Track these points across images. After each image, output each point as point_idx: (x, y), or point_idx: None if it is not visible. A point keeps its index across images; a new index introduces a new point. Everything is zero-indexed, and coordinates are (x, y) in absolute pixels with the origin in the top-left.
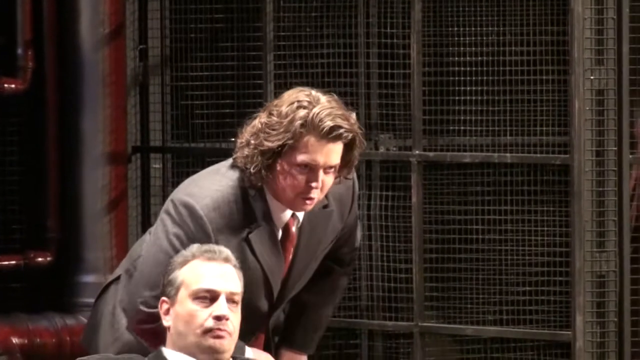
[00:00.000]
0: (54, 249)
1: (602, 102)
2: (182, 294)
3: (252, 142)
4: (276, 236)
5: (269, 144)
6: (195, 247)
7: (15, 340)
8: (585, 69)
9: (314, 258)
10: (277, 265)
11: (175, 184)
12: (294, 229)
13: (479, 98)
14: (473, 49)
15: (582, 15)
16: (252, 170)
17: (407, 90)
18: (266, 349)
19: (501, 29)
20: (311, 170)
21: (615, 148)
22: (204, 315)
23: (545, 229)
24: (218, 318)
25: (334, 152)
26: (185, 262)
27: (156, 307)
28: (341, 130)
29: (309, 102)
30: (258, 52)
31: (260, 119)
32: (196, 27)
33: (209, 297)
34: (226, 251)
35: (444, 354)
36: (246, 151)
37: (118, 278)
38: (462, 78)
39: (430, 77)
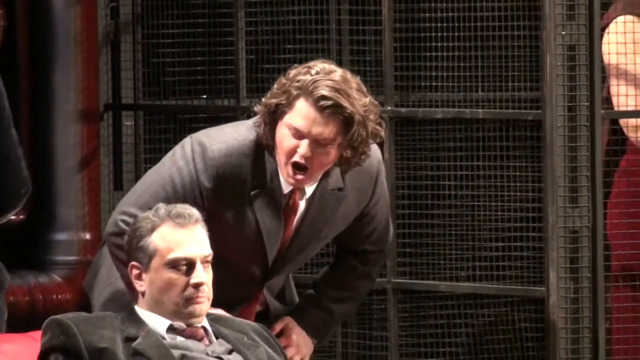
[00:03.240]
0: (26, 207)
1: (573, 57)
2: (157, 262)
3: (264, 100)
4: (279, 201)
5: (269, 101)
6: (163, 210)
7: None
8: (557, 24)
9: (318, 237)
10: (275, 230)
11: (148, 142)
12: (300, 201)
13: (451, 54)
14: (444, 4)
15: None
16: (260, 130)
17: (378, 47)
18: (262, 318)
19: None
20: (301, 136)
21: (588, 103)
22: (182, 283)
23: (518, 184)
24: (196, 285)
25: (323, 126)
26: (154, 228)
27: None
28: (331, 102)
29: (317, 71)
30: (229, 9)
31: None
32: None
33: (185, 264)
34: (195, 212)
35: (417, 311)
36: (259, 108)
37: None
38: (433, 34)
39: (402, 33)
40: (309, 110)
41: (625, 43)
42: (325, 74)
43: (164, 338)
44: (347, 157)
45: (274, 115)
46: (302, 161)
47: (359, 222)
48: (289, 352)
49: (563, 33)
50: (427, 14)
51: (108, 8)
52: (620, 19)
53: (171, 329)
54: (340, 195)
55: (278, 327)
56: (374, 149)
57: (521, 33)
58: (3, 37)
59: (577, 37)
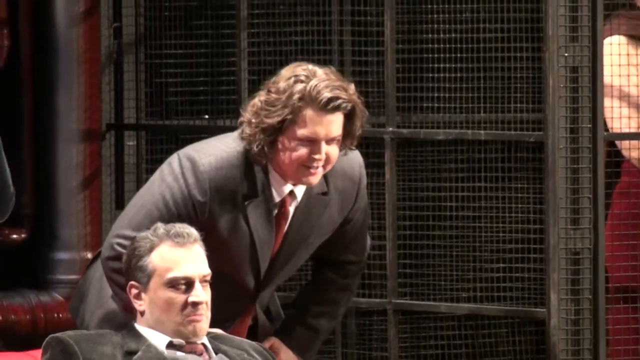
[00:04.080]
0: (29, 226)
1: (576, 79)
2: (156, 282)
3: (253, 120)
4: (272, 210)
5: (269, 121)
6: (161, 230)
7: None
8: (560, 45)
9: (305, 244)
10: (267, 239)
11: (150, 162)
12: (290, 207)
13: (453, 75)
14: (447, 25)
15: None
16: (255, 149)
17: (380, 68)
18: (253, 335)
19: (475, 5)
20: (313, 143)
21: (590, 125)
22: (181, 302)
23: (520, 206)
24: (195, 304)
25: (334, 124)
26: (153, 247)
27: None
28: (339, 101)
29: (306, 76)
30: (232, 30)
31: (259, 97)
32: (170, 5)
33: (184, 283)
34: (193, 232)
35: (417, 332)
36: (248, 130)
37: None
38: (436, 55)
39: (404, 54)
40: (319, 116)
41: (619, 65)
42: (314, 76)
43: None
44: (348, 144)
45: (276, 133)
46: (319, 164)
47: (342, 227)
48: None
49: (566, 55)
50: (430, 35)
51: (111, 28)
52: (607, 40)
53: (171, 345)
54: (325, 199)
55: (266, 345)
56: (355, 153)
57: (524, 54)
58: (7, 57)
59: (579, 58)
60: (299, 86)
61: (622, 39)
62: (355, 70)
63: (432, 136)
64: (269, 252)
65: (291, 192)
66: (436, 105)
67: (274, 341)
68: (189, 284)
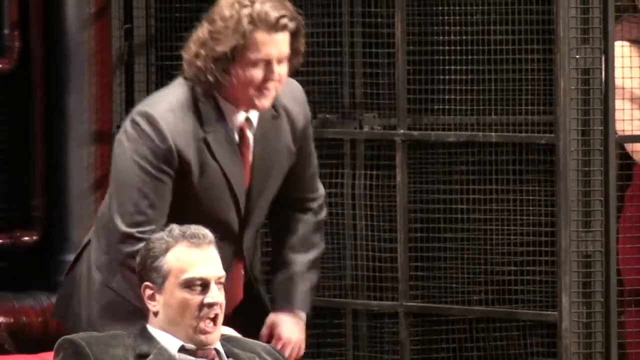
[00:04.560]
0: (40, 228)
1: (587, 81)
2: (171, 283)
3: (202, 52)
4: (233, 138)
5: (221, 49)
6: (177, 231)
7: (1, 319)
8: (571, 47)
9: (272, 173)
10: (237, 168)
11: None
12: (248, 132)
13: (464, 77)
14: (458, 27)
15: None
16: (210, 79)
17: (391, 69)
18: (247, 292)
19: (486, 7)
20: (266, 64)
21: (601, 127)
22: (197, 303)
23: (531, 208)
24: (211, 305)
25: (283, 42)
26: (168, 248)
27: (138, 225)
28: (286, 19)
29: (249, 0)
30: None
31: (202, 31)
32: (181, 6)
33: (200, 284)
34: (209, 233)
35: (429, 334)
36: (198, 63)
37: (87, 244)
38: (447, 57)
39: (415, 56)
40: (270, 37)
41: (630, 67)
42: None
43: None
44: (295, 62)
45: (229, 61)
46: (273, 85)
47: (300, 159)
48: (285, 350)
49: (577, 57)
50: (441, 37)
51: (122, 30)
52: (618, 43)
53: (182, 350)
54: (276, 122)
55: (266, 332)
56: (290, 79)
57: (535, 56)
58: (18, 59)
59: (591, 60)
60: (246, 10)
61: (618, 42)
62: (366, 71)
63: (443, 138)
64: (242, 184)
65: (247, 119)
66: (447, 107)
67: (271, 321)
68: (204, 285)
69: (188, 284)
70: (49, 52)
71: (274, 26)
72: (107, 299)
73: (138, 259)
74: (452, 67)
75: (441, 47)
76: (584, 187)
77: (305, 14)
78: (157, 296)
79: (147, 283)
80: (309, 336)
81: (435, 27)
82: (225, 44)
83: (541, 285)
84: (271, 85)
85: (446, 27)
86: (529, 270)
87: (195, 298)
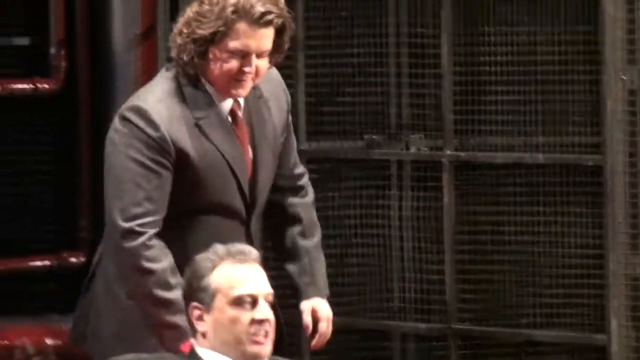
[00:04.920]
0: (87, 250)
1: (634, 102)
2: (220, 301)
3: (185, 30)
4: (226, 121)
5: (202, 32)
6: (222, 249)
7: (48, 341)
8: (618, 69)
9: (270, 150)
10: (235, 151)
11: None
12: (240, 114)
13: (511, 98)
14: (504, 48)
15: (614, 15)
16: (185, 58)
17: (437, 90)
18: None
19: (532, 28)
20: (244, 55)
21: None
22: (247, 320)
23: (578, 230)
24: (261, 322)
25: (265, 37)
26: (214, 266)
27: (137, 217)
28: (272, 16)
29: None
30: (289, 52)
31: (192, 9)
32: None
33: (250, 301)
34: (253, 250)
35: (477, 357)
36: (179, 40)
37: (99, 262)
38: (493, 78)
39: (461, 76)
40: (251, 29)
41: None
42: None
43: None
44: (276, 58)
45: (207, 44)
46: (249, 77)
47: (289, 137)
48: (328, 327)
49: (624, 78)
50: (487, 58)
51: (168, 50)
52: None
53: None
54: (263, 100)
55: (309, 318)
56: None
57: (581, 77)
58: (64, 78)
59: (638, 81)
60: None
61: None
62: (412, 92)
63: (490, 159)
64: (243, 164)
65: (236, 101)
66: (494, 128)
67: (310, 307)
68: (254, 301)
69: (238, 301)
70: (95, 72)
71: (257, 20)
72: (130, 313)
73: (183, 280)
74: (499, 88)
75: (488, 68)
76: (632, 209)
77: (351, 35)
78: (206, 316)
79: (195, 304)
80: (356, 358)
81: (481, 48)
82: (207, 27)
83: (589, 308)
84: (248, 77)
85: (492, 48)
86: (577, 293)
87: (245, 315)
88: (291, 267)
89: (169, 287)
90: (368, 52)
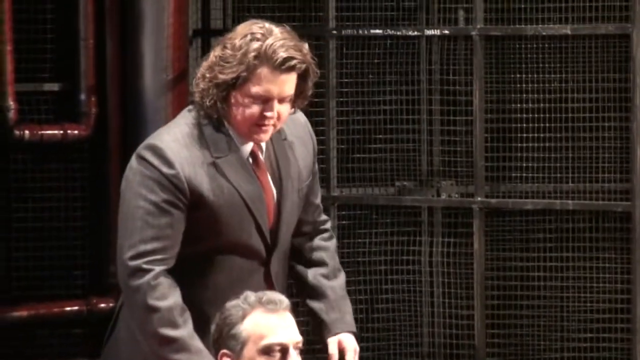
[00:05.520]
0: (117, 295)
1: None
2: (250, 350)
3: (207, 75)
4: (245, 162)
5: (223, 77)
6: (253, 297)
7: None
8: None
9: (298, 192)
10: (254, 191)
11: None
12: (261, 155)
13: (541, 145)
14: (535, 95)
15: None
16: (207, 103)
17: (469, 137)
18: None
19: (563, 75)
20: (265, 101)
21: None
22: None
23: (607, 275)
24: None
25: (287, 83)
26: (245, 315)
27: (144, 255)
28: (294, 62)
29: (262, 34)
30: (321, 99)
31: (214, 53)
32: None
33: (279, 349)
34: (284, 299)
35: None
36: (202, 85)
37: (120, 309)
38: (524, 125)
39: (493, 123)
40: (273, 75)
41: None
42: (271, 34)
43: None
44: (299, 104)
45: (230, 89)
46: (271, 122)
47: (314, 182)
48: (355, 356)
49: None
50: (518, 105)
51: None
52: None
53: None
54: (288, 142)
55: (335, 349)
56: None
57: (611, 124)
58: (95, 124)
59: None
60: (255, 44)
61: None
62: (444, 139)
63: (521, 206)
64: (261, 205)
65: (256, 143)
66: (524, 174)
67: (337, 339)
68: (284, 350)
69: (267, 350)
70: (126, 118)
71: (280, 66)
72: (150, 354)
73: (213, 327)
74: (530, 135)
75: (519, 115)
76: None
77: (382, 81)
78: None
79: (225, 351)
80: None
81: (512, 95)
82: (229, 72)
83: (617, 352)
84: (269, 122)
85: (524, 95)
86: (605, 338)
87: None
88: (316, 305)
89: (174, 325)
90: (400, 99)
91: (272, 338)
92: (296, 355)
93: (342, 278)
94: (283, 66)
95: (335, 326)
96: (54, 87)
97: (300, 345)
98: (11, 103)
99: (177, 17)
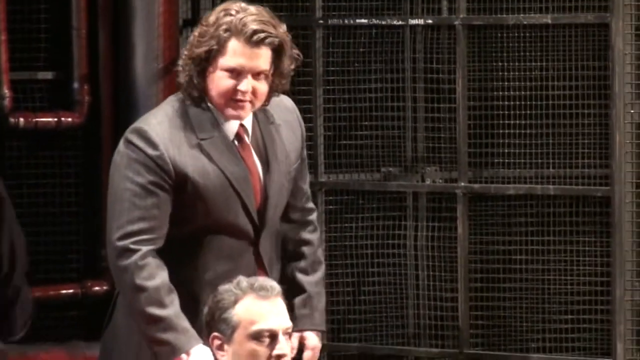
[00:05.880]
0: (110, 278)
1: None
2: (240, 334)
3: (185, 53)
4: (231, 144)
5: (198, 51)
6: (245, 283)
7: None
8: (626, 103)
9: (285, 174)
10: (239, 171)
11: None
12: (246, 137)
13: (523, 132)
14: (517, 83)
15: (623, 51)
16: (185, 79)
17: (452, 124)
18: None
19: (544, 63)
20: (238, 74)
21: None
22: (265, 355)
23: (587, 259)
24: (279, 357)
25: (260, 57)
26: (237, 300)
27: (131, 235)
28: (264, 34)
29: (237, 11)
30: (308, 87)
31: (194, 32)
32: None
33: (268, 336)
34: (276, 285)
35: None
36: (180, 62)
37: (118, 293)
38: (506, 112)
39: (475, 111)
40: (244, 48)
41: None
42: (244, 11)
43: None
44: (277, 83)
45: (203, 64)
46: (245, 97)
47: (303, 167)
48: (314, 355)
49: (632, 112)
50: (500, 92)
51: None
52: None
53: None
54: (274, 126)
55: (294, 345)
56: (283, 95)
57: (591, 112)
58: (88, 112)
59: None
60: (227, 18)
61: None
62: (428, 126)
63: (503, 191)
64: (247, 186)
65: (241, 125)
66: (506, 160)
67: (296, 337)
68: (273, 336)
69: (257, 336)
70: (118, 105)
71: (249, 38)
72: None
73: (205, 309)
74: (512, 122)
75: (501, 103)
76: (638, 238)
77: (368, 70)
78: (226, 347)
79: (216, 334)
80: None
81: (495, 83)
82: (203, 46)
83: (597, 333)
84: (244, 97)
85: (505, 83)
86: (585, 319)
87: (263, 350)
88: (290, 298)
89: (161, 304)
90: (385, 87)
91: (262, 324)
92: (285, 341)
93: (320, 272)
94: (252, 38)
95: (301, 322)
96: (48, 75)
97: (289, 331)
98: (6, 91)
99: (168, 7)
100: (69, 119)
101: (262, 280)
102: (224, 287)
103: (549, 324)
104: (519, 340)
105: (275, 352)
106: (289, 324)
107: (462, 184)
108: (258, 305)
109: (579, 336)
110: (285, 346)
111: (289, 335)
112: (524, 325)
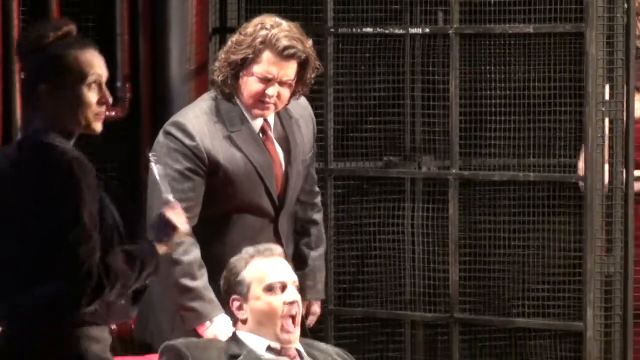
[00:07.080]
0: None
1: (612, 130)
2: (256, 290)
3: (223, 56)
4: (257, 136)
5: (235, 57)
6: (251, 249)
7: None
8: (598, 102)
9: (302, 162)
10: (265, 162)
11: None
12: (270, 132)
13: (508, 127)
14: (502, 84)
15: (596, 57)
16: (221, 78)
17: (446, 120)
18: None
19: (526, 67)
20: (267, 81)
21: (624, 169)
22: (280, 304)
23: (562, 236)
24: (292, 303)
25: (288, 69)
26: (246, 263)
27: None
28: (294, 50)
29: (272, 26)
30: (321, 87)
31: (232, 39)
32: None
33: (280, 287)
34: (277, 247)
35: (476, 342)
36: (218, 64)
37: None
38: (493, 109)
39: (466, 108)
40: (275, 60)
41: None
42: (278, 26)
43: (262, 356)
44: (299, 89)
45: (239, 68)
46: (271, 100)
47: (313, 156)
48: (314, 317)
49: (603, 110)
50: (488, 92)
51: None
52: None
53: (269, 349)
54: (294, 120)
55: (313, 320)
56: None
57: (567, 109)
58: (130, 108)
59: (615, 113)
60: (263, 32)
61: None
62: (425, 121)
63: (489, 177)
64: (270, 172)
65: (266, 121)
66: (493, 151)
67: (306, 305)
68: (283, 286)
69: (270, 288)
70: (156, 102)
71: (281, 53)
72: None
73: (222, 281)
74: (498, 118)
75: (489, 101)
76: (607, 219)
77: (373, 73)
78: (245, 305)
79: (234, 296)
80: (374, 343)
81: (483, 84)
82: (240, 54)
83: (570, 300)
84: (270, 100)
85: (493, 84)
86: (560, 289)
87: (278, 298)
88: (296, 270)
89: (193, 277)
90: (387, 88)
91: (272, 278)
92: (294, 290)
93: (322, 248)
94: (284, 53)
95: (307, 292)
96: None
97: (297, 284)
98: None
99: (200, 17)
100: (113, 114)
101: (266, 244)
102: (234, 258)
103: (529, 292)
104: (503, 307)
105: (288, 299)
106: (295, 277)
107: (454, 171)
108: (265, 263)
109: (555, 304)
110: (295, 294)
111: (296, 286)
112: (507, 294)
